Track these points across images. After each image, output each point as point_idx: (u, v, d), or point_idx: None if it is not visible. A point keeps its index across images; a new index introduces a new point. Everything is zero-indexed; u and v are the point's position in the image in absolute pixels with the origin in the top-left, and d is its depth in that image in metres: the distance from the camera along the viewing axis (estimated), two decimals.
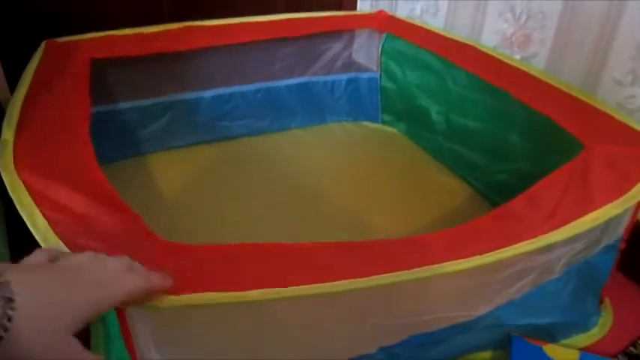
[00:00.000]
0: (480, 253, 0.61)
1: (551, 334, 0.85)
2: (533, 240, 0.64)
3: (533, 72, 1.04)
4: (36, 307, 0.39)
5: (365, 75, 1.47)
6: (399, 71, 1.39)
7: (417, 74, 1.34)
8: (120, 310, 0.54)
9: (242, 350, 0.63)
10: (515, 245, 0.63)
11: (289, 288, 0.54)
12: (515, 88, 1.03)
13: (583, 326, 0.90)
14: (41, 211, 0.60)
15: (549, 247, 0.68)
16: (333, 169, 1.31)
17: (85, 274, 0.44)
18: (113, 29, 1.16)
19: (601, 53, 1.00)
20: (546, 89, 1.00)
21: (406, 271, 0.58)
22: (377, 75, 1.46)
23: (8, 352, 0.37)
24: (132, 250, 0.53)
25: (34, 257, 0.46)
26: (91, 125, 0.84)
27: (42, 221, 0.59)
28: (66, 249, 0.54)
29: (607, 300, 0.95)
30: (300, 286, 0.54)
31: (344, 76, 1.47)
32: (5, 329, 0.36)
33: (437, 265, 0.59)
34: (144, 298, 0.49)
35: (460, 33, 1.29)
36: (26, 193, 0.63)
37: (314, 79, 1.45)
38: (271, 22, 1.32)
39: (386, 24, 1.38)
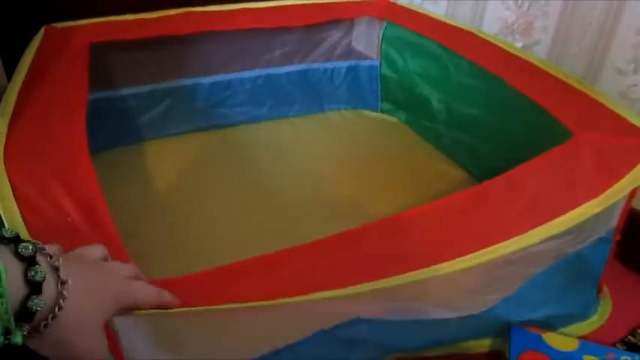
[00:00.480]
0: (461, 254, 0.60)
1: (550, 324, 0.86)
2: (513, 240, 0.63)
3: (532, 60, 1.03)
4: (81, 293, 0.40)
5: (365, 63, 1.46)
6: (400, 59, 1.38)
7: (418, 62, 1.33)
8: None
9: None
10: (496, 246, 0.62)
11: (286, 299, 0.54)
12: (511, 75, 1.02)
13: (582, 315, 0.90)
14: (21, 213, 0.59)
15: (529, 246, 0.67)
16: (332, 158, 1.30)
17: (114, 272, 0.47)
18: (113, 15, 1.15)
19: (603, 41, 0.99)
20: (543, 78, 0.99)
21: (384, 279, 0.57)
22: (377, 63, 1.45)
23: (55, 331, 0.39)
24: None
25: (94, 250, 0.48)
26: (89, 112, 0.84)
27: (20, 222, 0.58)
28: None
29: (606, 289, 0.95)
30: (269, 301, 0.54)
31: (344, 64, 1.46)
32: (60, 308, 0.38)
33: (417, 272, 0.58)
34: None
35: (461, 20, 1.28)
36: (9, 190, 0.62)
37: (314, 66, 1.44)
38: (272, 8, 1.31)
39: (387, 11, 1.37)
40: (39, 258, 0.39)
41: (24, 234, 0.55)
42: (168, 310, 0.50)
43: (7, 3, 1.18)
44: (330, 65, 1.45)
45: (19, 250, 0.38)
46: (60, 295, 0.38)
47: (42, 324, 0.38)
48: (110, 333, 0.54)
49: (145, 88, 1.28)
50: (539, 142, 1.00)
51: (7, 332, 0.36)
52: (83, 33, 1.09)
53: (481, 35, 1.16)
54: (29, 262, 0.38)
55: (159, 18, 1.19)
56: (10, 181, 0.64)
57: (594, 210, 0.67)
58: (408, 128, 1.43)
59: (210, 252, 0.99)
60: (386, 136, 1.42)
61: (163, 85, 1.30)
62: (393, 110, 1.48)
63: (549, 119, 0.89)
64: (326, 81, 1.47)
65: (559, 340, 0.80)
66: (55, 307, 0.38)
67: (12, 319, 0.36)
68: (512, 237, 0.63)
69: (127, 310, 0.47)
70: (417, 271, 0.58)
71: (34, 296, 0.37)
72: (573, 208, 0.66)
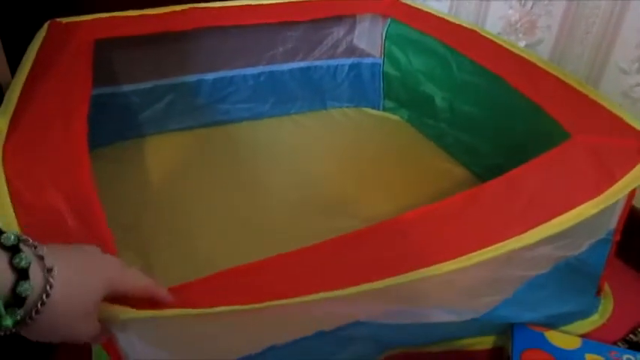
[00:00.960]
0: (460, 255, 0.60)
1: (551, 323, 0.86)
2: (509, 241, 0.63)
3: (533, 60, 1.04)
4: (69, 277, 0.42)
5: (368, 60, 1.46)
6: (403, 57, 1.38)
7: (421, 60, 1.33)
8: None
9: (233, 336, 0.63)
10: (494, 246, 0.62)
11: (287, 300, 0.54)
12: (513, 76, 1.02)
13: (583, 314, 0.91)
14: (17, 214, 0.59)
15: (526, 247, 0.67)
16: (334, 155, 1.30)
17: (106, 259, 0.48)
18: (116, 11, 1.15)
19: (607, 41, 1.00)
20: (544, 78, 0.99)
21: (384, 280, 0.57)
22: (380, 61, 1.45)
23: (48, 318, 0.40)
24: None
25: (87, 246, 0.49)
26: (91, 107, 0.84)
27: (13, 222, 0.58)
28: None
29: (607, 288, 0.95)
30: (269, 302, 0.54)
31: (347, 62, 1.46)
32: (47, 295, 0.40)
33: (413, 272, 0.59)
34: (142, 301, 0.49)
35: (465, 18, 1.28)
36: (5, 190, 0.62)
37: (316, 63, 1.43)
38: (275, 4, 1.30)
39: (391, 8, 1.37)
40: (23, 247, 0.40)
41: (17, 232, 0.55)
42: (167, 312, 0.50)
43: None
44: (332, 62, 1.45)
45: (1, 240, 0.39)
46: (47, 282, 0.40)
47: (32, 311, 0.39)
48: (107, 333, 0.54)
49: (147, 84, 1.28)
50: (538, 141, 1.00)
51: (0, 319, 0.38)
52: (87, 28, 1.09)
53: (484, 34, 1.17)
54: (13, 250, 0.39)
55: (163, 14, 1.18)
56: (6, 180, 0.64)
57: (592, 211, 0.67)
58: (410, 126, 1.43)
59: (210, 247, 0.99)
60: (388, 134, 1.42)
61: (166, 80, 1.30)
62: (396, 108, 1.48)
63: (548, 120, 0.89)
64: (328, 78, 1.47)
65: (562, 339, 0.81)
66: (42, 295, 0.39)
67: (0, 303, 0.37)
68: (510, 237, 0.63)
69: (120, 296, 0.47)
70: (416, 271, 0.59)
71: (22, 281, 0.38)
72: (571, 208, 0.66)
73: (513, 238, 0.63)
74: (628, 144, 0.77)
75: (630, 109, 0.97)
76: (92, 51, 1.02)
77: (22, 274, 0.39)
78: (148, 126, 1.33)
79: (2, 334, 0.39)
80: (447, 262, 0.60)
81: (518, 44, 1.15)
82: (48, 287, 0.40)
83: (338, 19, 1.39)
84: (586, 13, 1.02)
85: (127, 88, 1.27)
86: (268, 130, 1.41)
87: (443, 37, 1.22)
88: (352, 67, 1.47)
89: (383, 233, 0.65)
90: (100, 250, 0.49)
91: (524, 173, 0.73)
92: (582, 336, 0.84)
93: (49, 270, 0.40)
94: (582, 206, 0.67)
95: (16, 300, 0.38)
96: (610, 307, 0.93)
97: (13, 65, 1.11)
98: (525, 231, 0.64)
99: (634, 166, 0.72)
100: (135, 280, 0.49)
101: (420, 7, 1.34)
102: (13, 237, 0.40)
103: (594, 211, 0.67)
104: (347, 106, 1.51)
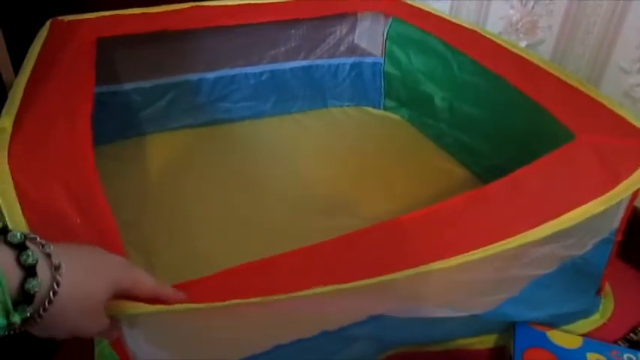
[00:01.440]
0: (466, 251, 0.61)
1: (553, 322, 0.86)
2: (515, 237, 0.63)
3: (534, 60, 1.04)
4: (77, 274, 0.42)
5: (369, 60, 1.46)
6: (404, 56, 1.38)
7: (423, 60, 1.33)
8: None
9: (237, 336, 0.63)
10: (496, 244, 0.62)
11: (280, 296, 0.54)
12: (514, 76, 1.02)
13: (584, 313, 0.91)
14: (24, 213, 0.59)
15: (533, 244, 0.67)
16: (335, 154, 1.31)
17: (113, 257, 0.49)
18: (119, 9, 1.15)
19: (608, 41, 1.00)
20: (546, 78, 0.99)
21: (394, 273, 0.58)
22: (381, 60, 1.45)
23: (56, 314, 0.41)
24: None
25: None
26: (93, 105, 0.84)
27: (21, 220, 0.58)
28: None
29: (607, 287, 0.96)
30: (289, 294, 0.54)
31: (348, 61, 1.46)
32: (55, 293, 0.40)
33: (419, 267, 0.59)
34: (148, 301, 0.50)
35: (466, 18, 1.28)
36: (12, 189, 0.62)
37: (318, 62, 1.44)
38: (277, 3, 1.30)
39: (392, 8, 1.37)
40: (30, 245, 0.40)
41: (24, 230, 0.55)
42: (172, 307, 0.50)
43: None
44: (334, 61, 1.45)
45: (8, 238, 0.40)
46: (54, 279, 0.40)
47: (40, 308, 0.40)
48: (117, 329, 0.54)
49: (149, 82, 1.28)
50: (540, 142, 1.01)
51: (8, 315, 0.38)
52: (89, 27, 1.09)
53: (485, 34, 1.17)
54: (20, 248, 0.39)
55: (165, 12, 1.19)
56: (13, 178, 0.64)
57: (598, 208, 0.68)
58: (410, 126, 1.44)
59: (210, 245, 0.99)
60: (388, 133, 1.42)
61: (167, 79, 1.30)
62: (396, 107, 1.48)
63: (550, 120, 0.89)
64: (329, 77, 1.47)
65: (563, 338, 0.81)
66: (50, 292, 0.40)
67: (8, 299, 0.37)
68: (517, 234, 0.63)
69: (126, 294, 0.48)
70: (421, 266, 0.59)
71: (30, 279, 0.39)
72: (577, 206, 0.67)
73: (520, 235, 0.63)
74: (632, 144, 0.78)
75: (631, 108, 0.98)
76: (94, 49, 1.02)
77: (29, 271, 0.39)
78: (149, 124, 1.33)
79: (10, 331, 0.39)
80: (454, 257, 0.60)
81: (519, 44, 1.16)
82: (55, 284, 0.40)
83: (340, 18, 1.39)
84: (587, 13, 1.02)
85: (128, 86, 1.27)
86: (269, 128, 1.41)
87: (444, 36, 1.23)
88: (353, 66, 1.47)
89: (385, 232, 0.65)
90: (105, 250, 0.49)
91: (529, 173, 0.74)
92: (583, 335, 0.85)
93: (57, 267, 0.41)
94: (589, 204, 0.67)
95: (24, 297, 0.39)
96: (610, 306, 0.94)
97: (16, 63, 1.11)
98: (532, 228, 0.64)
99: (639, 165, 0.73)
100: (140, 280, 0.49)
101: (421, 7, 1.34)
102: (19, 235, 0.40)
103: (601, 208, 0.68)
104: (348, 105, 1.52)
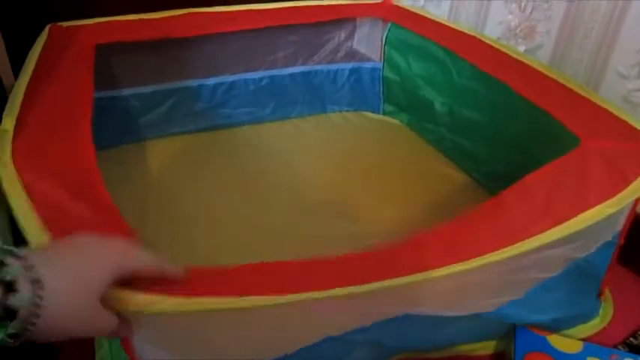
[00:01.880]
0: (474, 256, 0.61)
1: (554, 326, 0.86)
2: (530, 240, 0.64)
3: (535, 65, 1.04)
4: (62, 282, 0.42)
5: (367, 65, 1.47)
6: (403, 62, 1.39)
7: (422, 65, 1.33)
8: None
9: (240, 340, 0.63)
10: (510, 247, 0.63)
11: (287, 296, 0.54)
12: (516, 81, 1.02)
13: (584, 317, 0.91)
14: (34, 209, 0.59)
15: (546, 247, 0.68)
16: (334, 159, 1.31)
17: (107, 244, 0.48)
18: (116, 14, 1.16)
19: (606, 46, 1.00)
20: (547, 83, 0.99)
21: (403, 277, 0.58)
22: (380, 65, 1.46)
23: (49, 327, 0.41)
24: None
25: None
26: (93, 110, 0.84)
27: (33, 220, 0.58)
28: None
29: (607, 291, 0.96)
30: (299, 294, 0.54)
31: (347, 66, 1.47)
32: (39, 307, 0.40)
33: (433, 270, 0.59)
34: (153, 280, 0.49)
35: (464, 23, 1.29)
36: (20, 189, 0.62)
37: (317, 67, 1.44)
38: (275, 9, 1.31)
39: (391, 13, 1.38)
40: (9, 260, 0.40)
41: (40, 232, 0.55)
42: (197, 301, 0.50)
43: (13, 2, 1.19)
44: (333, 67, 1.46)
45: None
46: (35, 294, 0.40)
47: (27, 323, 0.39)
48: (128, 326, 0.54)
49: (148, 88, 1.29)
50: (541, 146, 1.01)
51: None
52: (88, 33, 1.09)
53: (484, 39, 1.17)
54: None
55: (163, 19, 1.19)
56: (20, 177, 0.64)
57: (609, 210, 0.68)
58: (410, 130, 1.44)
59: (211, 250, 0.99)
60: (388, 138, 1.43)
61: (167, 85, 1.31)
62: (396, 112, 1.49)
63: (553, 124, 0.90)
64: (329, 82, 1.47)
65: (563, 342, 0.81)
66: (33, 306, 0.39)
67: None
68: (528, 237, 0.64)
69: (130, 277, 0.48)
70: (430, 270, 0.59)
71: (11, 294, 0.38)
72: (588, 209, 0.67)
73: (533, 238, 0.64)
74: (637, 148, 0.78)
75: (630, 113, 0.97)
76: (93, 56, 1.02)
77: (9, 287, 0.39)
78: (150, 130, 1.33)
79: (5, 344, 0.39)
80: (468, 261, 0.61)
81: (518, 49, 1.16)
82: (37, 299, 0.40)
83: (338, 23, 1.40)
84: (585, 19, 1.03)
85: (128, 92, 1.27)
86: (269, 133, 1.41)
87: (442, 41, 1.23)
88: (352, 71, 1.48)
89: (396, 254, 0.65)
90: (98, 237, 0.48)
91: (539, 179, 0.73)
92: (583, 340, 0.85)
93: (37, 281, 0.40)
94: (599, 206, 0.68)
95: (8, 313, 0.38)
96: (610, 310, 0.94)
97: (15, 68, 1.11)
98: (545, 231, 0.65)
99: None
100: (142, 259, 0.49)
101: (419, 12, 1.35)
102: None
103: (611, 210, 0.68)
104: (347, 110, 1.52)
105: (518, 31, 1.17)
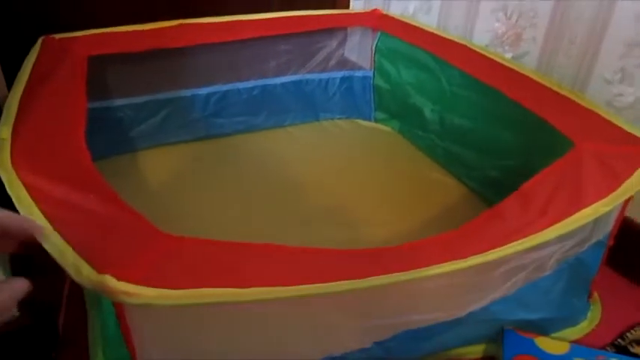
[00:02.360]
0: (475, 254, 0.63)
1: (543, 328, 0.87)
2: (526, 239, 0.66)
3: (524, 71, 1.06)
4: None
5: (359, 73, 1.49)
6: (393, 69, 1.41)
7: (411, 73, 1.35)
8: (119, 307, 0.55)
9: (241, 349, 0.64)
10: (508, 245, 0.65)
11: (288, 288, 0.55)
12: (507, 87, 1.04)
13: (573, 320, 0.92)
14: (39, 207, 0.61)
15: (541, 245, 0.70)
16: (327, 166, 1.32)
17: None
18: (109, 26, 1.17)
19: (591, 52, 1.02)
20: (537, 88, 1.01)
21: (403, 273, 0.59)
22: (370, 73, 1.47)
23: None
24: (133, 241, 0.54)
25: None
26: (87, 121, 0.85)
27: (40, 217, 0.59)
28: (65, 243, 0.55)
29: (596, 294, 0.96)
30: (299, 287, 0.55)
31: (338, 74, 1.49)
32: None
33: (432, 267, 0.61)
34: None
35: (453, 31, 1.31)
36: (24, 190, 0.64)
37: (308, 76, 1.46)
38: (266, 19, 1.33)
39: (380, 22, 1.40)
40: None
41: (50, 230, 0.57)
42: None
43: (5, 13, 1.20)
44: (324, 76, 1.48)
45: None
46: None
47: None
48: (126, 326, 0.56)
49: (141, 99, 1.30)
50: (533, 151, 1.03)
51: None
52: (81, 45, 1.10)
53: (472, 47, 1.19)
54: None
55: (156, 30, 1.20)
56: (21, 179, 0.65)
57: (603, 209, 0.70)
58: (401, 137, 1.46)
59: None
60: (380, 144, 1.44)
61: (161, 95, 1.32)
62: (387, 119, 1.50)
63: (545, 129, 0.91)
64: (320, 91, 1.49)
65: (550, 344, 0.82)
66: None
67: None
68: (524, 237, 0.66)
69: None
70: (425, 268, 0.61)
71: None
72: (583, 208, 0.69)
73: (530, 237, 0.66)
74: (629, 149, 0.80)
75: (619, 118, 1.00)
76: (86, 67, 1.03)
77: None
78: (144, 140, 1.34)
79: None
80: (466, 259, 0.62)
81: (506, 56, 1.17)
82: None
83: (329, 33, 1.42)
84: (570, 25, 1.04)
85: (121, 102, 1.28)
86: (262, 142, 1.43)
87: (432, 49, 1.25)
88: (343, 79, 1.49)
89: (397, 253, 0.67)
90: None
91: (537, 184, 0.75)
92: (571, 342, 0.85)
93: None
94: (594, 205, 0.70)
95: None
96: (598, 313, 0.95)
97: (9, 80, 1.12)
98: (540, 230, 0.67)
99: (637, 168, 0.76)
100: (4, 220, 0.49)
101: (408, 21, 1.37)
102: None
103: (605, 210, 0.71)
104: (339, 118, 1.54)
105: (505, 38, 1.19)
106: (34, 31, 1.11)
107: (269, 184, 1.24)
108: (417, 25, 1.34)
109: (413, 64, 1.33)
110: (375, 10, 1.44)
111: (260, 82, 1.41)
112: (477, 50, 1.17)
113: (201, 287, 0.53)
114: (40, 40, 1.09)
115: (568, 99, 0.96)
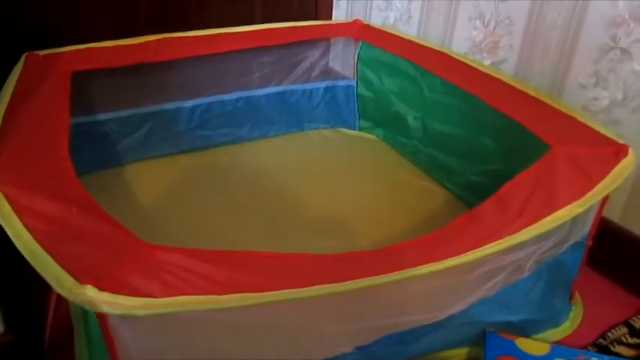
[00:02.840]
0: (451, 256, 0.64)
1: (525, 329, 0.88)
2: (501, 240, 0.68)
3: (502, 77, 1.08)
4: None
5: (342, 83, 1.51)
6: (376, 78, 1.43)
7: (393, 81, 1.37)
8: (102, 318, 0.56)
9: (223, 356, 0.65)
10: (484, 247, 0.66)
11: (266, 293, 0.56)
12: (486, 93, 1.07)
13: (555, 321, 0.93)
14: (22, 221, 0.61)
15: (518, 247, 0.72)
16: (312, 176, 1.33)
17: None
18: (92, 42, 1.18)
19: (565, 58, 1.04)
20: (515, 94, 1.03)
21: (380, 276, 0.61)
22: (354, 82, 1.49)
23: None
24: (114, 251, 0.55)
25: None
26: (72, 136, 0.86)
27: (23, 230, 0.60)
28: (47, 255, 0.56)
29: (577, 295, 0.98)
30: (277, 292, 0.57)
31: (321, 84, 1.50)
32: None
33: (410, 269, 0.62)
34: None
35: (432, 40, 1.33)
36: (7, 204, 0.64)
37: (292, 87, 1.48)
38: (249, 32, 1.34)
39: (362, 32, 1.42)
40: None
41: (32, 243, 0.57)
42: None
43: None
44: (308, 86, 1.49)
45: None
46: None
47: None
48: (109, 335, 0.56)
49: (126, 112, 1.31)
50: (512, 155, 1.05)
51: None
52: (64, 61, 1.11)
53: (452, 54, 1.21)
54: None
55: (139, 45, 1.21)
56: (2, 192, 0.66)
57: (577, 210, 0.72)
58: (385, 144, 1.47)
59: None
60: (365, 153, 1.46)
61: (145, 108, 1.33)
62: (371, 127, 1.52)
63: (523, 133, 0.93)
64: (304, 101, 1.51)
65: (531, 345, 0.83)
66: None
67: None
68: (500, 239, 0.67)
69: None
70: (411, 269, 0.62)
71: None
72: (558, 209, 0.71)
73: (504, 239, 0.67)
74: (604, 151, 0.82)
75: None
76: (69, 83, 1.04)
77: None
78: (129, 154, 1.35)
79: None
80: (442, 261, 0.64)
81: (484, 63, 1.20)
82: None
83: (312, 43, 1.44)
84: (544, 33, 1.07)
85: (106, 116, 1.29)
86: (248, 153, 1.44)
87: (412, 58, 1.27)
88: (327, 89, 1.51)
89: (382, 255, 0.68)
90: None
91: (513, 188, 0.77)
92: (553, 342, 0.87)
93: None
94: (568, 207, 0.72)
95: None
96: (580, 313, 0.96)
97: None
98: (516, 232, 0.68)
99: (611, 169, 0.77)
100: None
101: (389, 31, 1.39)
102: None
103: (579, 210, 0.73)
104: (324, 127, 1.55)
105: (483, 45, 1.21)
106: (17, 47, 1.12)
107: (255, 195, 1.24)
108: (397, 34, 1.36)
109: (395, 73, 1.35)
110: (356, 20, 1.46)
111: (244, 93, 1.42)
112: (457, 58, 1.20)
113: (182, 295, 0.53)
114: (23, 57, 1.10)
115: (545, 104, 0.98)
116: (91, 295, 0.50)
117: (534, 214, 0.71)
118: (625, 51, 0.94)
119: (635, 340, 0.90)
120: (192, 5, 1.43)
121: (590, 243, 0.88)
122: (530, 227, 0.69)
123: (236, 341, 0.65)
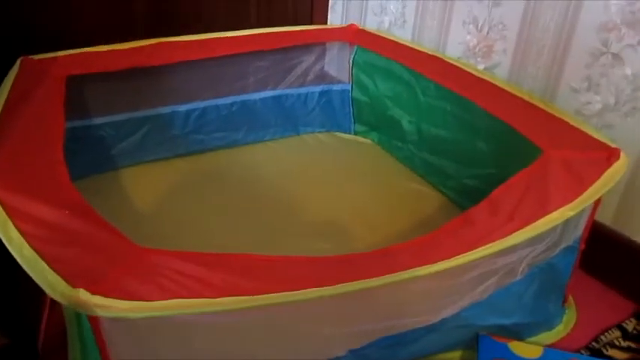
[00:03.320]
0: (443, 259, 0.65)
1: (518, 333, 0.89)
2: (493, 243, 0.68)
3: (496, 82, 1.09)
4: None
5: (337, 87, 1.51)
6: (371, 83, 1.43)
7: (388, 85, 1.38)
8: (94, 321, 0.56)
9: (216, 359, 0.65)
10: (475, 250, 0.67)
11: (259, 297, 0.56)
12: (480, 97, 1.07)
13: (548, 325, 0.94)
14: (15, 225, 0.61)
15: (510, 250, 0.72)
16: (308, 179, 1.33)
17: None
18: (87, 46, 1.18)
19: (558, 62, 1.05)
20: (508, 98, 1.04)
21: (374, 279, 0.61)
22: (349, 86, 1.50)
23: None
24: (106, 255, 0.55)
25: None
26: (67, 140, 0.86)
27: (16, 234, 0.60)
28: (39, 259, 0.56)
29: (570, 298, 0.98)
30: (272, 295, 0.57)
31: (317, 88, 1.51)
32: None
33: (402, 272, 0.62)
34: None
35: (427, 44, 1.34)
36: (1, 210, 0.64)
37: (287, 91, 1.48)
38: (244, 36, 1.35)
39: (357, 37, 1.43)
40: None
41: (25, 247, 0.57)
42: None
43: None
44: (303, 90, 1.50)
45: None
46: None
47: None
48: (101, 338, 0.57)
49: (121, 117, 1.30)
50: (506, 159, 1.05)
51: None
52: (59, 65, 1.11)
53: (446, 59, 1.22)
54: None
55: (134, 49, 1.21)
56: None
57: (569, 213, 0.73)
58: (380, 149, 1.48)
59: None
60: (360, 157, 1.46)
61: (140, 113, 1.33)
62: (366, 131, 1.52)
63: (517, 137, 0.94)
64: (300, 105, 1.51)
65: (524, 348, 0.83)
66: None
67: None
68: (492, 242, 0.68)
69: None
70: (402, 272, 0.63)
71: None
72: (549, 213, 0.72)
73: (496, 242, 0.68)
74: (596, 155, 0.83)
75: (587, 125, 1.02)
76: (64, 87, 1.04)
77: None
78: (124, 158, 1.35)
79: None
80: (434, 264, 0.64)
81: (478, 67, 1.21)
82: None
83: (307, 48, 1.44)
84: (537, 37, 1.07)
85: (101, 120, 1.29)
86: (243, 157, 1.44)
87: (407, 62, 1.28)
88: (322, 93, 1.51)
89: (375, 257, 0.68)
90: None
91: (506, 191, 0.77)
92: (546, 346, 0.87)
93: None
94: (559, 210, 0.72)
95: None
96: (574, 317, 0.96)
97: None
98: (507, 235, 0.69)
99: (602, 173, 0.78)
100: None
101: (384, 35, 1.40)
102: None
103: (571, 214, 0.73)
104: (319, 131, 1.56)
105: (477, 50, 1.22)
106: (12, 51, 1.12)
107: (250, 199, 1.25)
108: (392, 38, 1.37)
109: (389, 77, 1.36)
110: (351, 25, 1.47)
111: (239, 97, 1.43)
112: (451, 62, 1.20)
113: (176, 298, 0.54)
114: (18, 61, 1.10)
115: (538, 108, 0.99)
116: (84, 299, 0.51)
117: (526, 218, 0.71)
118: (616, 56, 0.95)
119: (628, 344, 0.91)
120: (188, 10, 1.44)
121: (582, 246, 0.89)
122: (521, 230, 0.70)
123: (230, 344, 0.65)
